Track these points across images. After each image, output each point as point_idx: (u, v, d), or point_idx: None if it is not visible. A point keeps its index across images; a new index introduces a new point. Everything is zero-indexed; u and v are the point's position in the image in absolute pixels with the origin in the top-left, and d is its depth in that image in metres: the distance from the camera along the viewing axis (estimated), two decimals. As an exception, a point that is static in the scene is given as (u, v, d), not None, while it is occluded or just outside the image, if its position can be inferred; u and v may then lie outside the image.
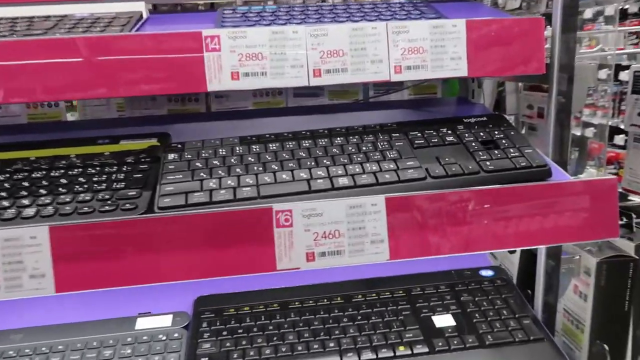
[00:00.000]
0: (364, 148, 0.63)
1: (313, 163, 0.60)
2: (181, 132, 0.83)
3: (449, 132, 0.67)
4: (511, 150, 0.62)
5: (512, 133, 0.66)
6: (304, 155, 0.62)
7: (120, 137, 0.70)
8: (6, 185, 0.58)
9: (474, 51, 0.63)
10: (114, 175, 0.60)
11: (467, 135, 0.66)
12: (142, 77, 0.58)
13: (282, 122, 0.89)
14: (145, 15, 0.72)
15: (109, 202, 0.55)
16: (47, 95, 0.57)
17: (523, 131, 1.04)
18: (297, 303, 0.75)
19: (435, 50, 0.62)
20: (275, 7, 0.72)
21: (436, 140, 0.65)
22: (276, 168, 0.60)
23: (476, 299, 0.75)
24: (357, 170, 0.59)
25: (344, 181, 0.57)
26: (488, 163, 0.60)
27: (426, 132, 0.67)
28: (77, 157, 0.65)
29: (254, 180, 0.57)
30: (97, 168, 0.62)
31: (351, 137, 0.66)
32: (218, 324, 0.72)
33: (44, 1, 0.71)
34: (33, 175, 0.60)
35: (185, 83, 0.59)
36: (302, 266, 0.55)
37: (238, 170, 0.59)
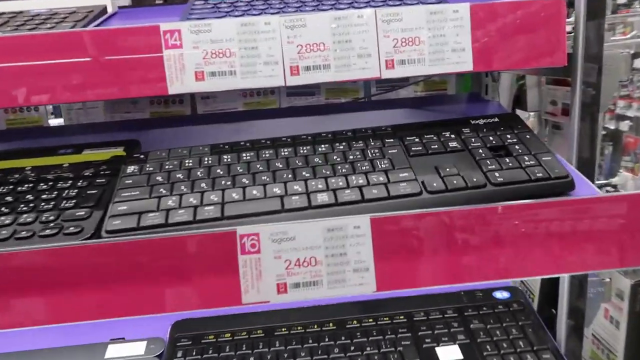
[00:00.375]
0: (351, 157, 0.55)
1: (290, 176, 0.52)
2: (163, 137, 0.76)
3: (452, 136, 0.58)
4: (526, 157, 0.53)
5: (528, 136, 0.57)
6: (280, 166, 0.54)
7: (84, 146, 0.64)
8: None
9: (480, 41, 0.53)
10: (67, 191, 0.53)
11: (473, 140, 0.57)
12: (91, 81, 0.50)
13: (273, 125, 0.81)
14: (111, 10, 0.65)
15: (52, 224, 0.48)
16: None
17: (546, 131, 0.94)
18: (283, 329, 0.68)
19: (434, 41, 0.53)
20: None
21: (436, 146, 0.56)
22: (247, 182, 0.52)
23: (488, 326, 0.66)
24: (341, 184, 0.51)
25: (323, 198, 0.49)
26: (497, 174, 0.51)
27: (425, 136, 0.58)
28: (33, 169, 0.58)
29: (219, 198, 0.50)
30: (50, 183, 0.55)
31: (337, 144, 0.57)
32: (194, 353, 0.65)
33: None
34: (-20, 191, 0.54)
35: (143, 86, 0.52)
36: (272, 299, 0.47)
37: (203, 185, 0.52)
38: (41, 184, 0.55)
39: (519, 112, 0.96)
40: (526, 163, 0.52)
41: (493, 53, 0.54)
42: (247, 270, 0.46)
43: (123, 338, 0.69)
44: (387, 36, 0.53)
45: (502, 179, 0.50)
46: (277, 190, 0.50)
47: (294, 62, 0.53)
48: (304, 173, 0.52)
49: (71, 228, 0.47)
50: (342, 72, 0.53)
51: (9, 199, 0.52)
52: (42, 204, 0.51)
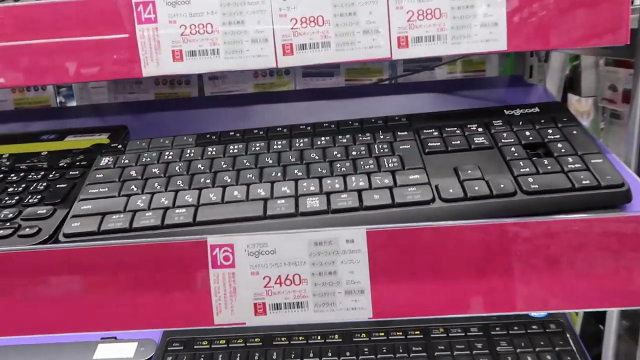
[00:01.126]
0: (354, 153, 0.47)
1: (279, 174, 0.45)
2: (165, 121, 0.71)
3: (480, 130, 0.48)
4: (570, 159, 0.43)
5: (575, 132, 0.46)
6: (270, 162, 0.46)
7: (68, 132, 0.59)
8: None
9: (517, 13, 0.43)
10: (36, 184, 0.48)
11: (505, 135, 0.47)
12: (54, 61, 0.44)
13: (285, 109, 0.74)
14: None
15: (8, 223, 0.43)
16: None
17: (602, 120, 0.81)
18: (283, 339, 0.61)
19: (459, 13, 0.44)
20: None
21: (458, 142, 0.47)
22: (228, 180, 0.45)
23: (518, 350, 0.57)
24: (337, 186, 0.43)
25: (313, 203, 0.41)
26: (531, 180, 0.41)
27: (446, 129, 0.48)
28: (9, 157, 0.54)
29: (194, 199, 0.43)
30: (22, 174, 0.50)
31: (340, 137, 0.49)
32: (185, 360, 0.60)
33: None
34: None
35: (114, 68, 0.45)
36: (248, 321, 0.40)
37: (179, 182, 0.45)
38: (11, 175, 0.50)
39: (571, 97, 0.83)
40: (570, 166, 0.42)
41: (533, 29, 0.43)
42: (219, 286, 0.40)
43: (115, 337, 0.65)
44: (399, 7, 0.44)
45: (537, 186, 0.41)
46: (262, 191, 0.43)
47: (287, 40, 0.45)
48: (295, 171, 0.45)
49: (27, 229, 0.42)
50: (344, 52, 0.45)
51: (-20, 190, 0.48)
52: (6, 198, 0.46)
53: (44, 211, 0.44)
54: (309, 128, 0.51)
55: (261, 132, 0.51)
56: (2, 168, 0.52)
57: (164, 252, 0.40)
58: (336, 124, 0.51)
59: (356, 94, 0.76)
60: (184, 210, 0.42)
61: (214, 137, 0.51)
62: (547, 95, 0.66)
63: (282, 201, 0.42)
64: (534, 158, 0.44)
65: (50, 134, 0.59)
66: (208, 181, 0.45)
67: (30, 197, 0.46)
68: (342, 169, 0.45)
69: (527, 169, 0.43)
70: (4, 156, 0.54)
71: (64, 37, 0.45)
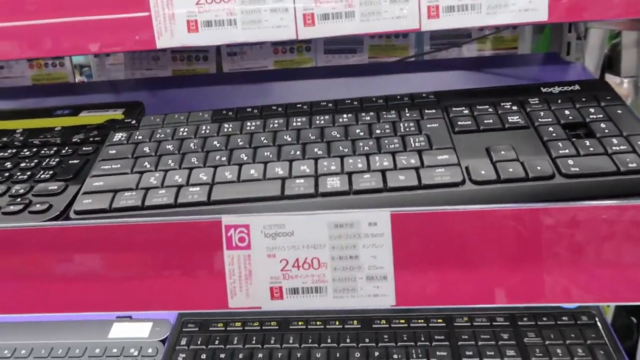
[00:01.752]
0: (378, 131, 0.44)
1: (298, 152, 0.43)
2: (183, 98, 0.69)
3: (514, 108, 0.45)
4: (614, 140, 0.40)
5: (620, 111, 0.43)
6: (289, 139, 0.44)
7: (83, 108, 0.57)
8: None
9: (561, -21, 0.40)
10: (48, 160, 0.47)
11: (542, 113, 0.44)
12: (68, 33, 0.43)
13: (306, 86, 0.71)
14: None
15: (19, 198, 0.42)
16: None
17: (643, 101, 0.76)
18: (300, 323, 0.60)
19: (495, -21, 0.40)
20: None
21: (491, 121, 0.44)
22: (245, 158, 0.43)
23: (547, 342, 0.54)
24: (360, 166, 0.40)
25: (334, 183, 0.39)
26: (571, 162, 0.38)
27: (478, 107, 0.45)
28: (23, 132, 0.53)
29: (209, 177, 0.41)
30: (35, 149, 0.49)
31: (364, 115, 0.46)
32: (199, 342, 0.59)
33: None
34: (-39, 156, 0.49)
35: (126, 39, 0.43)
36: (264, 305, 0.38)
37: (194, 160, 0.43)
38: (24, 150, 0.49)
39: (609, 77, 0.79)
40: (614, 148, 0.39)
41: (578, -4, 0.40)
42: (234, 268, 0.38)
43: (130, 317, 0.65)
44: (431, -27, 0.40)
45: (577, 169, 0.38)
46: (280, 170, 0.41)
47: (308, 9, 0.42)
48: (316, 150, 0.42)
49: (38, 205, 0.41)
50: (369, 22, 0.42)
51: (-8, 164, 0.47)
52: (18, 173, 0.45)
53: (55, 187, 0.43)
54: (330, 105, 0.48)
55: (280, 109, 0.49)
56: (16, 143, 0.51)
57: (177, 232, 0.38)
58: (359, 101, 0.48)
59: (380, 71, 0.73)
60: (198, 188, 0.40)
61: (230, 113, 0.49)
62: (585, 74, 0.62)
63: (301, 181, 0.40)
64: (574, 139, 0.41)
65: (64, 109, 0.57)
66: (224, 159, 0.43)
67: (42, 172, 0.45)
68: (365, 147, 0.42)
69: (567, 150, 0.39)
70: (17, 131, 0.53)
71: (75, 9, 0.43)
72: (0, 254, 0.39)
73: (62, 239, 0.39)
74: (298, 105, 0.49)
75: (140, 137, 0.47)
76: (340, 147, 0.43)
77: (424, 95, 0.48)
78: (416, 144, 0.42)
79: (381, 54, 0.76)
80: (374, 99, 0.49)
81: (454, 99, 0.47)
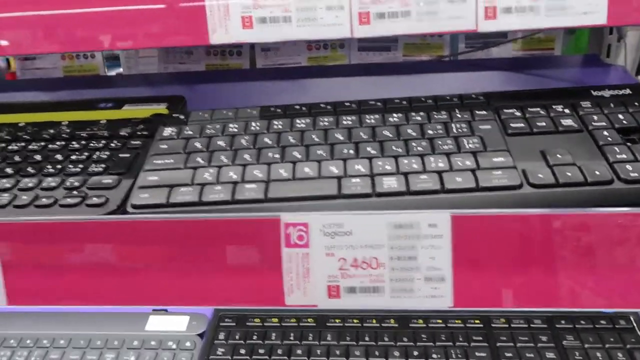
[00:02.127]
0: (430, 132, 0.44)
1: (352, 152, 0.43)
2: (216, 93, 0.69)
3: (567, 111, 0.45)
4: (671, 146, 0.39)
5: (674, 117, 0.43)
6: (341, 138, 0.44)
7: (125, 101, 0.58)
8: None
9: (622, -17, 0.40)
10: (98, 152, 0.47)
11: (596, 117, 0.44)
12: (118, 26, 0.43)
13: (340, 84, 0.71)
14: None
15: (75, 191, 0.42)
16: None
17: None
18: (337, 321, 0.60)
19: (556, -19, 0.40)
20: None
21: (544, 124, 0.44)
22: (299, 157, 0.43)
23: (586, 346, 0.54)
24: (415, 167, 0.40)
25: (391, 183, 0.39)
26: (629, 167, 0.38)
27: (529, 110, 0.45)
28: (68, 125, 0.53)
29: (264, 174, 0.41)
30: (83, 142, 0.50)
31: (414, 115, 0.46)
32: (237, 337, 0.59)
33: None
34: (9, 147, 0.50)
35: (178, 33, 0.43)
36: (320, 304, 0.39)
37: (247, 156, 0.43)
38: (73, 143, 0.49)
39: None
40: (673, 154, 0.39)
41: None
42: (291, 266, 0.38)
43: (166, 310, 0.66)
44: (490, -26, 0.40)
45: (637, 174, 0.38)
46: (334, 169, 0.41)
47: (364, 7, 0.42)
48: (368, 149, 0.43)
49: (94, 198, 0.41)
50: (425, 22, 0.42)
51: (37, 157, 0.47)
52: (70, 166, 0.46)
53: (110, 181, 0.43)
54: (379, 104, 0.48)
55: (328, 107, 0.49)
56: (63, 135, 0.51)
57: (235, 228, 0.38)
58: (408, 101, 0.49)
59: (414, 70, 0.73)
60: (254, 185, 0.40)
61: (279, 110, 0.49)
62: (627, 77, 0.62)
63: (357, 180, 0.40)
64: (629, 144, 0.41)
65: (106, 102, 0.58)
66: (277, 156, 0.43)
67: (93, 165, 0.45)
68: (419, 148, 0.42)
69: (624, 155, 0.39)
70: (63, 123, 0.54)
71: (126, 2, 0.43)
72: (57, 245, 0.40)
73: (120, 233, 0.39)
74: (346, 104, 0.49)
75: (190, 133, 0.47)
76: (393, 147, 0.43)
77: (473, 96, 0.48)
78: (470, 146, 0.42)
79: (415, 52, 0.76)
80: (423, 99, 0.49)
81: (504, 100, 0.47)
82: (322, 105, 0.50)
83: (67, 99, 0.61)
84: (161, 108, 0.56)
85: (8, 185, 0.44)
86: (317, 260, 0.38)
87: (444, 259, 0.37)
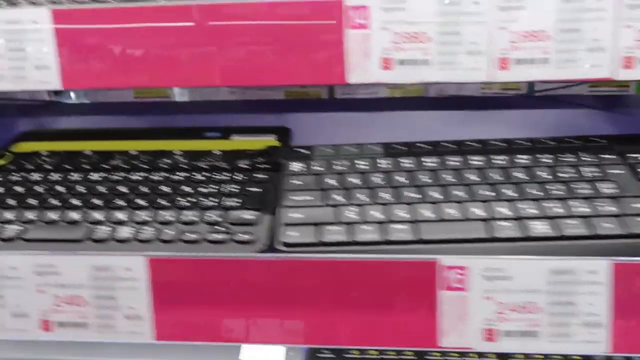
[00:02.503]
0: (562, 174, 0.45)
1: (491, 193, 0.43)
2: (300, 125, 0.69)
3: (695, 158, 0.46)
4: None
5: None
6: (476, 179, 0.45)
7: (231, 130, 0.58)
8: (101, 189, 0.48)
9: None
10: (225, 185, 0.48)
11: None
12: (245, 62, 0.43)
13: (419, 117, 0.72)
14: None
15: (218, 226, 0.43)
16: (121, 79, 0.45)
17: None
18: (437, 354, 0.60)
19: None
20: None
21: (678, 170, 0.45)
22: (438, 197, 0.44)
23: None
24: (560, 211, 0.41)
25: (542, 228, 0.40)
26: None
27: (656, 155, 0.47)
28: (183, 154, 0.54)
29: (410, 214, 0.42)
30: (205, 173, 0.50)
31: (539, 156, 0.47)
32: (334, 370, 0.59)
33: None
34: (132, 177, 0.50)
35: (314, 72, 0.44)
36: (476, 346, 0.39)
37: (385, 195, 0.44)
38: (194, 173, 0.50)
39: None
40: None
41: None
42: (448, 309, 0.39)
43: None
44: (628, 27, 0.42)
45: None
46: (478, 211, 0.42)
47: (504, 53, 0.43)
48: (506, 191, 0.43)
49: (242, 235, 0.41)
50: (565, 70, 0.43)
51: (165, 189, 0.48)
52: (202, 198, 0.46)
53: (252, 217, 0.43)
54: (503, 144, 0.49)
55: (452, 146, 0.50)
56: (182, 166, 0.52)
57: (390, 269, 0.39)
58: (531, 141, 0.50)
59: (492, 104, 0.75)
60: (403, 226, 0.41)
61: (402, 147, 0.50)
62: None
63: (505, 223, 0.41)
64: None
65: (213, 131, 0.58)
66: (416, 196, 0.44)
67: (227, 199, 0.46)
68: (557, 191, 0.43)
69: None
70: (175, 152, 0.54)
71: (263, 37, 0.44)
72: (211, 281, 0.40)
73: (274, 270, 0.39)
74: (469, 143, 0.50)
75: (320, 168, 0.48)
76: (531, 190, 0.43)
77: (594, 139, 0.50)
78: (607, 190, 0.43)
79: (493, 86, 0.77)
80: (543, 140, 0.50)
81: (629, 143, 0.49)
82: (443, 143, 0.50)
83: (167, 126, 0.61)
84: (271, 140, 0.56)
85: (147, 218, 0.44)
86: (475, 303, 0.38)
87: (603, 305, 0.38)
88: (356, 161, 0.48)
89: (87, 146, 0.56)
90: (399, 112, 0.74)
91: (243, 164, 0.51)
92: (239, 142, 0.56)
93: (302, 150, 0.51)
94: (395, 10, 0.43)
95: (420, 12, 0.43)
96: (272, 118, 0.70)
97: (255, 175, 0.49)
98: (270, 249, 0.41)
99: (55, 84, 0.46)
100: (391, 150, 0.50)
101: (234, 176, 0.49)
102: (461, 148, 0.50)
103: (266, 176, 0.49)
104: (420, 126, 0.64)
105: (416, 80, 0.45)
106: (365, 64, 0.44)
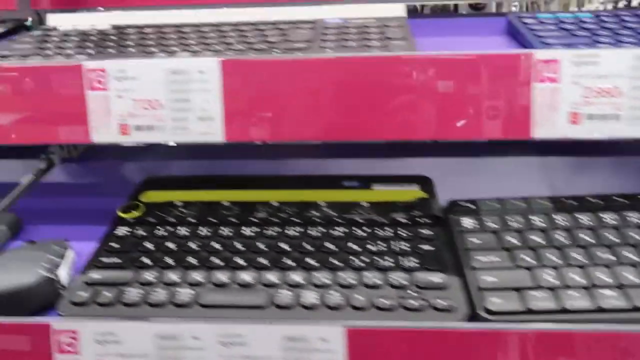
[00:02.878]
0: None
1: (691, 254, 0.42)
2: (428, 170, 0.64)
3: None
4: None
5: None
6: (667, 238, 0.43)
7: (369, 179, 0.56)
8: (260, 246, 0.46)
9: None
10: (393, 243, 0.46)
11: None
12: (429, 115, 0.42)
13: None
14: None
15: (406, 291, 0.41)
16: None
17: None
18: None
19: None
20: (591, 16, 0.54)
21: None
22: (637, 258, 0.42)
23: None
24: None
25: None
26: None
27: None
28: (328, 206, 0.52)
29: (612, 278, 0.40)
30: (363, 227, 0.48)
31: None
32: None
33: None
34: (287, 232, 0.48)
35: (497, 126, 0.43)
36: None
37: (577, 255, 0.42)
38: (354, 228, 0.48)
39: None
40: None
41: None
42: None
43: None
44: None
45: None
46: (686, 274, 0.40)
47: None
48: None
49: (439, 301, 0.39)
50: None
51: (329, 246, 0.46)
52: (375, 258, 0.44)
53: (440, 280, 0.41)
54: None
55: (624, 200, 0.48)
56: (334, 219, 0.50)
57: (607, 340, 0.37)
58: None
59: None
60: (612, 292, 0.39)
61: (574, 201, 0.48)
62: None
63: None
64: None
65: (350, 180, 0.56)
66: (610, 257, 0.42)
67: (401, 258, 0.44)
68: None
69: None
70: (320, 204, 0.52)
71: (449, 91, 0.43)
72: (410, 352, 0.38)
73: (482, 342, 0.37)
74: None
75: (494, 225, 0.46)
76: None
77: None
78: None
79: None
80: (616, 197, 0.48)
81: None
82: (615, 197, 0.48)
83: (300, 174, 0.59)
84: (415, 190, 0.54)
85: (327, 281, 0.42)
86: None
87: None
88: (530, 217, 0.46)
89: (221, 196, 0.54)
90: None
91: (399, 217, 0.49)
92: (382, 193, 0.54)
93: (467, 205, 0.49)
94: (587, 64, 0.42)
95: (613, 67, 0.42)
96: (404, 164, 0.64)
97: (419, 230, 0.47)
98: (475, 317, 0.39)
99: (218, 135, 0.44)
100: (559, 204, 0.48)
101: (395, 231, 0.48)
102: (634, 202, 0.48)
103: (431, 232, 0.47)
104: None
105: (604, 136, 0.43)
106: (553, 118, 0.43)
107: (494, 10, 0.86)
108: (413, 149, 0.69)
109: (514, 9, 0.83)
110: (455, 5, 0.73)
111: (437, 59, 0.41)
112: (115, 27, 0.54)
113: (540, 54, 0.42)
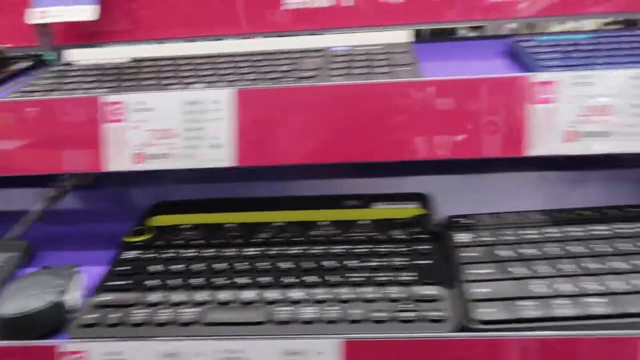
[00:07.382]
0: None
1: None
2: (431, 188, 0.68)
3: None
4: None
5: None
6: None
7: (369, 198, 0.60)
8: (262, 265, 0.51)
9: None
10: (391, 259, 0.50)
11: None
12: (434, 135, 0.45)
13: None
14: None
15: (401, 304, 0.44)
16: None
17: None
18: None
19: None
20: (591, 37, 0.57)
21: None
22: (625, 267, 0.45)
23: None
24: None
25: None
26: None
27: None
28: (330, 225, 0.56)
29: (601, 286, 0.43)
30: (363, 245, 0.52)
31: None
32: None
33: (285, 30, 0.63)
34: (289, 251, 0.52)
35: (493, 144, 0.46)
36: None
37: (566, 266, 0.45)
38: (353, 246, 0.52)
39: None
40: None
41: None
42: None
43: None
44: None
45: None
46: (674, 281, 0.43)
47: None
48: None
49: (432, 312, 0.43)
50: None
51: (330, 263, 0.50)
52: (373, 274, 0.48)
53: (434, 292, 0.45)
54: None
55: (617, 211, 0.51)
56: (334, 238, 0.54)
57: (591, 346, 0.40)
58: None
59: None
60: (599, 299, 0.42)
61: (570, 214, 0.52)
62: None
63: None
64: None
65: (350, 199, 0.60)
66: (599, 266, 0.45)
67: (399, 273, 0.48)
68: None
69: None
70: (320, 223, 0.56)
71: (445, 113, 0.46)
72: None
73: (473, 351, 0.41)
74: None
75: (487, 239, 0.50)
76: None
77: None
78: None
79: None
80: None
81: None
82: (605, 210, 0.52)
83: (300, 194, 0.63)
84: (413, 208, 0.58)
85: (325, 296, 0.46)
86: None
87: None
88: (520, 231, 0.50)
89: (226, 218, 0.59)
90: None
91: (399, 234, 0.53)
92: (382, 211, 0.58)
93: (461, 220, 0.52)
94: (582, 85, 0.45)
95: (607, 87, 0.45)
96: (403, 183, 0.67)
97: (416, 246, 0.51)
98: (466, 327, 0.42)
99: (228, 161, 0.47)
100: (551, 218, 0.52)
101: (394, 248, 0.51)
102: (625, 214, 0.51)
103: (429, 247, 0.51)
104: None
105: (595, 151, 0.46)
106: (548, 137, 0.46)
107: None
108: (412, 166, 0.72)
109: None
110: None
111: (439, 82, 0.45)
112: (135, 60, 0.58)
113: (537, 76, 0.46)
